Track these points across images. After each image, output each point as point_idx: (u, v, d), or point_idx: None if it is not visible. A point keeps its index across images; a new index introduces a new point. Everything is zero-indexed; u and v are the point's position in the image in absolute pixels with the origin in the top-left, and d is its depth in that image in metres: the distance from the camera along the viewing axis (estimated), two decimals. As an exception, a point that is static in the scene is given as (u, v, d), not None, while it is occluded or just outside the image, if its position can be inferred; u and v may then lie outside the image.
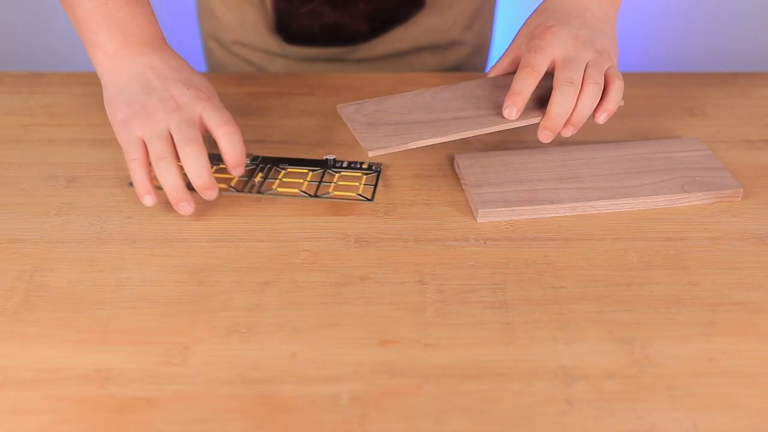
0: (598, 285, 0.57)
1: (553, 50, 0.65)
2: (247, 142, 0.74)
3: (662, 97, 0.83)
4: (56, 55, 1.58)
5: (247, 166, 0.69)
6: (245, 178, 0.68)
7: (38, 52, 1.61)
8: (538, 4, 0.71)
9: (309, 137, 0.75)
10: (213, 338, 0.52)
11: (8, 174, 0.69)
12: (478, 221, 0.64)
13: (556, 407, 0.48)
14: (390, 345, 0.52)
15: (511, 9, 1.41)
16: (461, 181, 0.68)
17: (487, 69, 1.03)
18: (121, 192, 0.67)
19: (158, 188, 0.64)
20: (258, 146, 0.73)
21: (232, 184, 0.67)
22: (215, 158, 0.69)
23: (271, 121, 0.78)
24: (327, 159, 0.70)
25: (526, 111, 0.65)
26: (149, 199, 0.61)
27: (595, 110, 0.65)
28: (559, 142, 0.75)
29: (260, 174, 0.68)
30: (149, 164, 0.61)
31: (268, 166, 0.70)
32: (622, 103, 0.66)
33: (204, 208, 0.65)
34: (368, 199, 0.65)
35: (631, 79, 0.87)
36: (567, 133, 0.64)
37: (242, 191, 0.66)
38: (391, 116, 0.65)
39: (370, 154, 0.61)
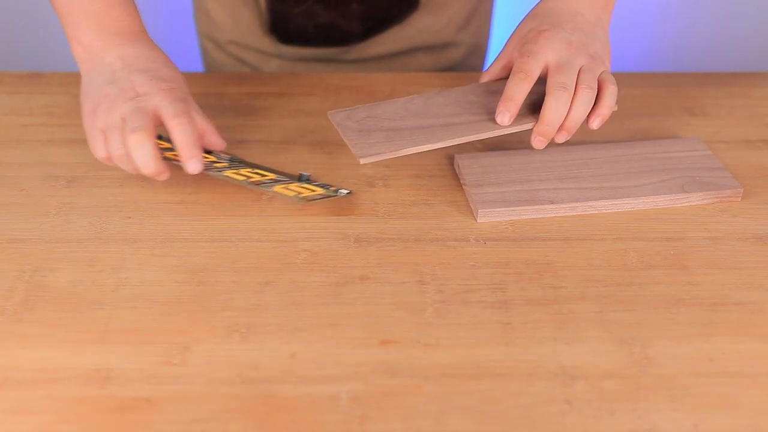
0: (598, 285, 0.57)
1: (546, 55, 0.64)
2: (247, 142, 0.74)
3: (662, 97, 0.83)
4: (56, 55, 1.58)
5: (217, 162, 0.68)
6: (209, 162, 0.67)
7: (38, 52, 1.61)
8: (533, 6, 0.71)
9: (309, 137, 0.75)
10: (213, 338, 0.52)
11: (8, 174, 0.69)
12: (478, 221, 0.64)
13: (556, 407, 0.48)
14: (390, 345, 0.52)
15: (509, 10, 1.40)
16: (461, 181, 0.68)
17: (485, 70, 1.02)
18: (121, 192, 0.67)
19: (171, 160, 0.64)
20: (258, 146, 0.73)
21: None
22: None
23: (271, 121, 0.78)
24: (301, 174, 0.68)
25: (520, 116, 0.65)
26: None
27: (589, 115, 0.64)
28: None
29: (224, 164, 0.67)
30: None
31: (237, 163, 0.69)
32: (616, 108, 0.66)
33: (204, 208, 0.65)
34: (308, 199, 0.63)
35: (631, 79, 0.87)
36: (561, 138, 0.64)
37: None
38: (382, 122, 0.65)
39: (362, 161, 0.61)
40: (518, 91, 0.63)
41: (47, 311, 0.54)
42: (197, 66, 1.23)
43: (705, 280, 0.58)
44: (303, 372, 0.50)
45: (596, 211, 0.65)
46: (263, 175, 0.66)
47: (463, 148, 0.73)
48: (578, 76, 0.63)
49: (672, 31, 1.57)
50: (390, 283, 0.57)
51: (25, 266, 0.59)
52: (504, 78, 0.69)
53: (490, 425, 0.47)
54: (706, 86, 0.85)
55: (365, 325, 0.54)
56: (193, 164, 0.61)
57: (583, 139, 0.75)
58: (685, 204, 0.66)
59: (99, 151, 0.63)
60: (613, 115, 0.79)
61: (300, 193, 0.63)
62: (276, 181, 0.65)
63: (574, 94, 0.63)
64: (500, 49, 0.71)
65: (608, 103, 0.64)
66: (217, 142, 0.66)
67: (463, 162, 0.69)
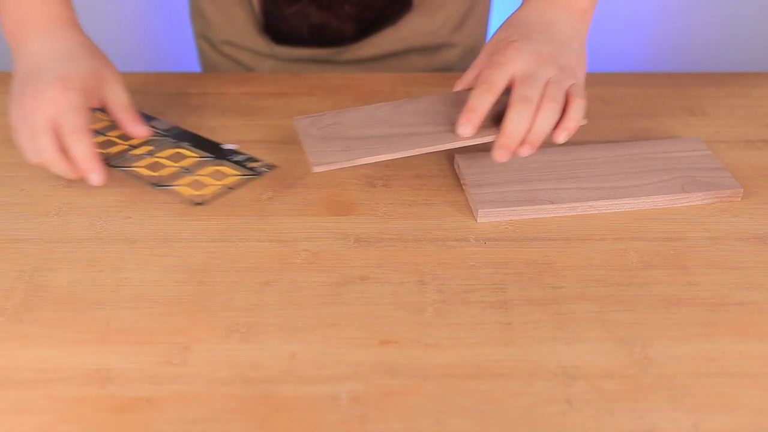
0: (598, 285, 0.57)
1: (513, 66, 0.63)
2: (247, 141, 0.74)
3: (662, 97, 0.83)
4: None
5: (156, 136, 0.70)
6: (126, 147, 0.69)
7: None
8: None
9: (309, 137, 0.75)
10: (213, 338, 0.52)
11: (8, 174, 0.69)
12: (478, 221, 0.64)
13: (556, 407, 0.48)
14: (390, 345, 0.52)
15: (506, 11, 1.41)
16: (461, 181, 0.68)
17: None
18: (121, 192, 0.67)
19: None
20: (258, 146, 0.73)
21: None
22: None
23: (271, 121, 0.78)
24: (227, 148, 0.68)
25: (484, 128, 0.64)
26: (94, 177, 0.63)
27: (555, 129, 0.63)
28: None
29: (148, 147, 0.68)
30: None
31: (168, 139, 0.70)
32: (585, 122, 0.65)
33: (204, 208, 0.65)
34: (198, 203, 0.64)
35: (631, 79, 0.87)
36: (524, 152, 0.62)
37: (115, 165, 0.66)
38: (346, 130, 0.65)
39: (315, 169, 0.61)
40: (481, 102, 0.62)
41: (47, 311, 0.54)
42: (194, 66, 1.23)
43: (705, 280, 0.58)
44: (303, 372, 0.50)
45: (596, 211, 0.65)
46: (184, 157, 0.68)
47: (463, 148, 0.73)
48: (545, 88, 0.62)
49: (672, 31, 1.57)
50: (390, 283, 0.57)
51: (25, 266, 0.59)
52: None
53: (490, 425, 0.47)
54: (706, 86, 0.85)
55: (365, 325, 0.54)
56: (93, 178, 0.62)
57: (583, 139, 0.75)
58: (685, 204, 0.66)
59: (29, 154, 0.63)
60: (614, 115, 0.79)
61: (205, 188, 0.64)
62: (188, 170, 0.66)
63: (539, 107, 0.61)
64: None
65: (574, 117, 0.62)
66: (135, 132, 0.67)
67: (463, 162, 0.69)
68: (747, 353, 0.52)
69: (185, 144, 0.70)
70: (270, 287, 0.57)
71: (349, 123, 0.65)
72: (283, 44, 0.91)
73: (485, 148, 0.73)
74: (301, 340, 0.52)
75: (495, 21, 1.10)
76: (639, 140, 0.75)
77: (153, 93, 0.83)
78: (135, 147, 0.69)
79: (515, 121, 0.61)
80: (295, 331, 0.53)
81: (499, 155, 0.62)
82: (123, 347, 0.52)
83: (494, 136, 0.63)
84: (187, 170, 0.66)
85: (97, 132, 0.70)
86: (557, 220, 0.64)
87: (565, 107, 0.63)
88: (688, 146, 0.71)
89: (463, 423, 0.47)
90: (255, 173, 0.65)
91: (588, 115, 0.80)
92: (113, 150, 0.68)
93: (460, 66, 0.97)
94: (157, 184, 0.65)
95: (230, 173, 0.66)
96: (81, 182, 0.68)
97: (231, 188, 0.65)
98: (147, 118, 0.73)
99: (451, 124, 0.64)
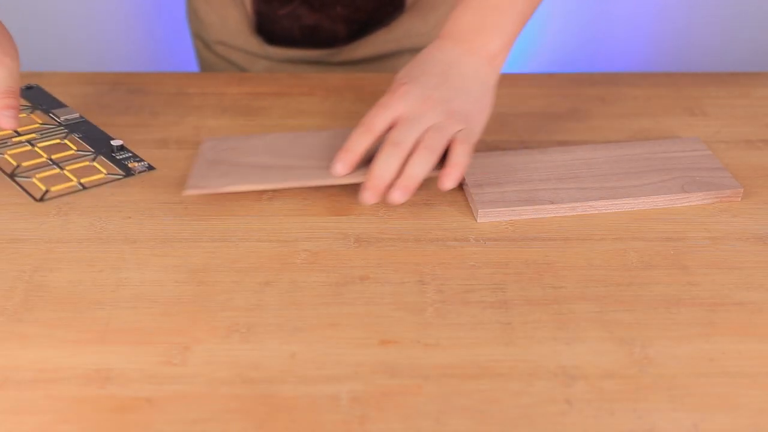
0: (598, 285, 0.57)
1: (396, 109, 0.63)
2: (247, 142, 0.74)
3: (662, 97, 0.83)
4: (56, 55, 1.58)
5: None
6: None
7: (38, 52, 1.61)
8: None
9: (309, 137, 0.75)
10: (213, 338, 0.52)
11: (8, 174, 0.69)
12: (478, 221, 0.64)
13: (556, 407, 0.48)
14: (390, 345, 0.52)
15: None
16: (461, 181, 0.68)
17: None
18: (121, 192, 0.67)
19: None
20: (258, 146, 0.73)
21: None
22: None
23: (271, 121, 0.78)
24: (112, 144, 0.68)
25: (361, 169, 0.63)
26: None
27: (441, 175, 0.61)
28: (559, 142, 0.75)
29: (33, 135, 0.68)
30: None
31: (61, 129, 0.70)
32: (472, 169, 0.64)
33: (204, 208, 0.65)
34: (36, 199, 0.63)
35: (631, 79, 0.87)
36: (396, 196, 0.60)
37: None
38: (238, 156, 0.66)
39: (185, 192, 0.62)
40: (358, 143, 0.62)
41: (47, 311, 0.54)
42: (192, 66, 1.23)
43: (705, 280, 0.58)
44: (303, 372, 0.50)
45: (596, 211, 0.65)
46: (64, 149, 0.67)
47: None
48: (424, 134, 0.61)
49: (672, 31, 1.57)
50: (390, 283, 0.57)
51: (25, 266, 0.59)
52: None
53: (490, 425, 0.47)
54: (706, 86, 0.85)
55: (365, 325, 0.54)
56: None
57: (583, 139, 0.75)
58: (685, 204, 0.66)
59: None
60: (613, 115, 0.79)
61: (57, 183, 0.64)
62: (58, 163, 0.66)
63: (413, 152, 0.61)
64: None
65: (455, 162, 0.61)
66: (3, 124, 0.64)
67: (463, 162, 0.69)
68: (747, 353, 0.52)
69: (74, 135, 0.70)
70: (270, 287, 0.57)
71: (245, 149, 0.67)
72: (276, 45, 0.91)
73: (485, 149, 0.74)
74: (301, 340, 0.52)
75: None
76: (639, 140, 0.75)
77: (153, 93, 0.83)
78: (20, 134, 0.69)
79: (380, 164, 0.60)
80: (295, 331, 0.53)
81: (365, 196, 0.61)
82: (123, 347, 0.52)
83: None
84: (55, 163, 0.66)
85: None
86: (557, 220, 0.64)
87: (449, 153, 0.62)
88: (688, 146, 0.71)
89: (463, 423, 0.47)
90: (128, 173, 0.66)
91: (588, 115, 0.80)
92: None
93: None
94: (13, 174, 0.64)
95: (99, 171, 0.66)
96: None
97: (86, 187, 0.64)
98: (54, 105, 0.73)
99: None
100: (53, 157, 0.67)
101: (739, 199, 0.66)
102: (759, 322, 0.54)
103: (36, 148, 0.68)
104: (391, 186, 0.61)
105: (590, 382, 0.49)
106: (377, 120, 0.63)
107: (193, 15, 0.96)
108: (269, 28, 0.90)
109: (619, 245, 0.61)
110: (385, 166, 0.60)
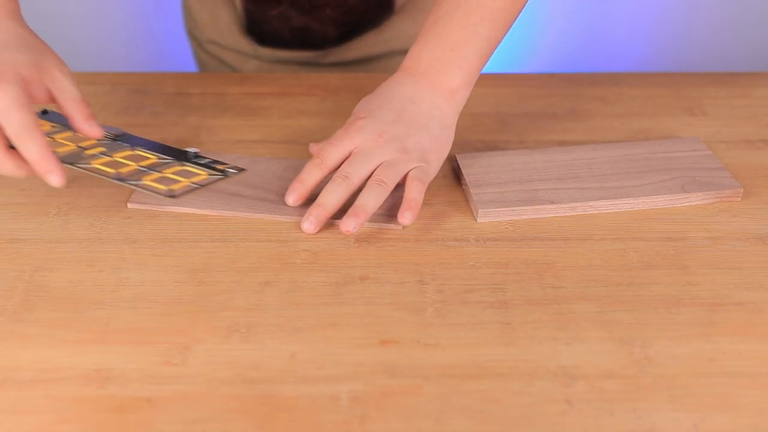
0: (598, 285, 0.57)
1: (351, 144, 0.63)
2: (247, 141, 0.74)
3: (662, 97, 0.83)
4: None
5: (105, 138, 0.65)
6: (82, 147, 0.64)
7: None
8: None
9: (309, 137, 0.75)
10: (213, 338, 0.52)
11: (8, 174, 0.69)
12: (478, 221, 0.64)
13: (556, 407, 0.48)
14: (390, 345, 0.52)
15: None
16: (461, 181, 0.68)
17: None
18: (121, 192, 0.66)
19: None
20: (258, 146, 0.74)
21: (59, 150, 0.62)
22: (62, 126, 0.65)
23: (271, 121, 0.78)
24: (187, 151, 0.67)
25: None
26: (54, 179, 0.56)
27: (399, 212, 0.61)
28: (559, 142, 0.75)
29: (100, 148, 0.64)
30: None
31: (119, 142, 0.66)
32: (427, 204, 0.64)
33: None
34: (171, 197, 0.60)
35: (631, 79, 0.87)
36: (346, 225, 0.60)
37: (68, 161, 0.61)
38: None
39: (129, 205, 0.63)
40: (310, 176, 0.63)
41: (47, 311, 0.54)
42: (190, 65, 1.23)
43: (705, 280, 0.58)
44: (303, 372, 0.50)
45: (596, 211, 0.65)
46: (144, 158, 0.65)
47: (463, 148, 0.73)
48: (376, 169, 0.62)
49: (672, 31, 1.57)
50: (390, 283, 0.57)
51: (25, 266, 0.59)
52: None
53: (490, 425, 0.47)
54: (706, 86, 0.85)
55: (365, 325, 0.54)
56: (52, 179, 0.55)
57: (583, 139, 0.75)
58: (685, 204, 0.66)
59: None
60: (614, 115, 0.79)
61: (174, 183, 0.62)
62: (152, 168, 0.63)
63: (366, 186, 0.61)
64: None
65: (410, 197, 0.61)
66: (88, 131, 0.60)
67: (463, 162, 0.69)
68: (747, 353, 0.52)
69: (139, 148, 0.66)
70: (270, 287, 0.57)
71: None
72: (267, 46, 0.91)
73: (485, 148, 0.74)
74: (301, 340, 0.52)
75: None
76: (639, 140, 0.75)
77: (153, 93, 0.83)
78: (86, 148, 0.63)
79: (326, 195, 0.61)
80: (295, 331, 0.53)
81: (305, 225, 0.61)
82: (123, 347, 0.52)
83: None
84: (150, 169, 0.63)
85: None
86: (557, 220, 0.64)
87: (405, 189, 0.62)
88: (688, 146, 0.71)
89: (463, 423, 0.47)
90: (223, 174, 0.64)
91: (588, 115, 0.80)
92: (62, 150, 0.62)
93: None
94: (122, 179, 0.61)
95: (198, 172, 0.64)
96: (81, 182, 0.67)
97: (201, 185, 0.62)
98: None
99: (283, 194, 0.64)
100: (141, 164, 0.64)
101: (739, 199, 0.66)
102: (759, 322, 0.54)
103: (117, 159, 0.63)
104: (331, 217, 0.62)
105: (590, 382, 0.49)
106: (330, 154, 0.63)
107: (188, 14, 0.97)
108: (260, 29, 0.90)
109: (619, 245, 0.61)
110: (329, 197, 0.61)
